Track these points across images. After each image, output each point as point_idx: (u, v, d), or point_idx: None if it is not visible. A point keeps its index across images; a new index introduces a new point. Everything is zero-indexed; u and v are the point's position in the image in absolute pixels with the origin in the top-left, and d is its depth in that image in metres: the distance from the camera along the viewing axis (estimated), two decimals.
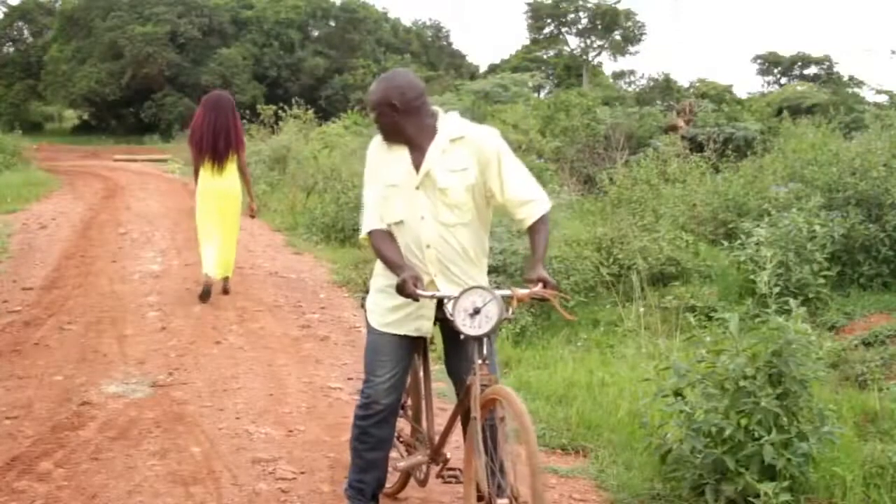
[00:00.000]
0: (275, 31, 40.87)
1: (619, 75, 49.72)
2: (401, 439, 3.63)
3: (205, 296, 7.23)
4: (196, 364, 5.55)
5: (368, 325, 3.31)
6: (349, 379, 5.41)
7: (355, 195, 10.65)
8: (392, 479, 3.56)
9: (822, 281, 7.52)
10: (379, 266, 3.25)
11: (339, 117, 21.89)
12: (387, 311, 3.21)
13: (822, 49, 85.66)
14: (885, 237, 8.18)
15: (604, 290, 8.14)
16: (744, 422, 3.51)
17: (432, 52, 48.55)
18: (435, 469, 3.40)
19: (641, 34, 48.29)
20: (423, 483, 3.55)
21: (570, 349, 6.57)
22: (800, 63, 47.24)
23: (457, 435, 3.36)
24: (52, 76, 38.00)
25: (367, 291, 3.43)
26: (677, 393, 3.86)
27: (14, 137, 22.94)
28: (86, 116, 43.23)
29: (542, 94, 39.63)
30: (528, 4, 48.10)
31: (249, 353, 5.86)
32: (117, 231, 11.04)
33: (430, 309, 3.14)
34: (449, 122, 3.14)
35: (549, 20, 48.03)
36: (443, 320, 3.12)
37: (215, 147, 7.19)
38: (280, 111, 18.29)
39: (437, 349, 3.74)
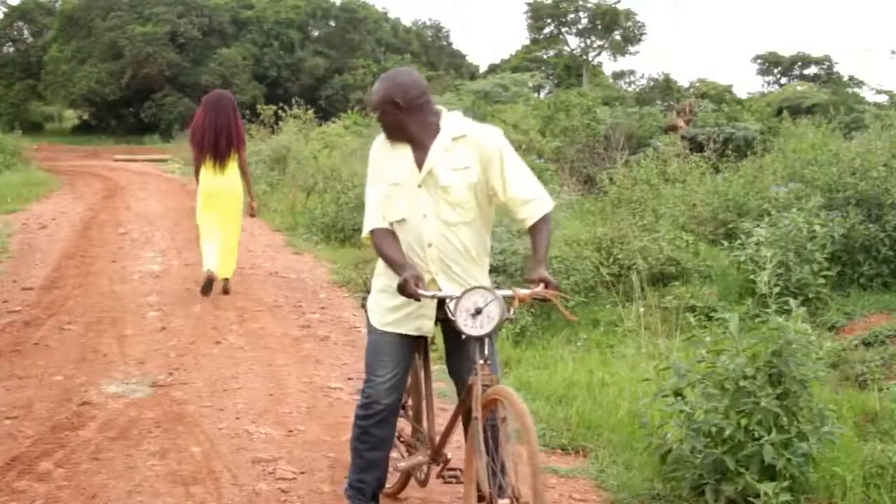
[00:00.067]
0: (275, 31, 40.87)
1: (619, 75, 49.76)
2: (401, 439, 3.63)
3: (206, 289, 7.27)
4: (196, 364, 5.55)
5: (370, 325, 3.30)
6: (349, 379, 5.41)
7: (355, 195, 10.65)
8: (392, 480, 3.56)
9: (822, 281, 7.52)
10: (380, 265, 3.25)
11: (339, 117, 21.88)
12: (388, 311, 3.21)
13: (822, 49, 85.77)
14: (885, 237, 8.18)
15: (604, 290, 8.14)
16: (744, 422, 3.51)
17: (432, 52, 48.54)
18: (435, 469, 3.40)
19: (641, 34, 48.34)
20: (423, 483, 3.55)
21: (570, 349, 6.57)
22: (800, 63, 47.27)
23: (457, 435, 3.36)
24: (52, 76, 38.00)
25: (367, 291, 3.42)
26: (677, 393, 3.86)
27: (14, 137, 22.94)
28: (86, 116, 43.22)
29: (542, 94, 39.66)
30: (528, 4, 48.12)
31: (249, 353, 5.86)
32: (117, 231, 11.05)
33: (431, 308, 3.14)
34: (452, 121, 3.14)
35: (549, 20, 48.04)
36: (444, 320, 3.12)
37: (217, 145, 7.22)
38: (280, 111, 18.30)
39: (438, 349, 3.74)
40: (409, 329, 3.19)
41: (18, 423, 4.42)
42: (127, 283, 7.98)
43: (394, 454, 3.45)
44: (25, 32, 43.78)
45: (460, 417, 3.19)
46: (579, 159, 16.68)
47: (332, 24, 43.73)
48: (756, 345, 3.68)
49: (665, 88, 37.65)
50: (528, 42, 50.14)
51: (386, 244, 3.11)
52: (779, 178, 10.68)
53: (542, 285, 2.94)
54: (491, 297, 2.91)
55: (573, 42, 48.79)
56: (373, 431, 3.24)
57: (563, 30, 48.48)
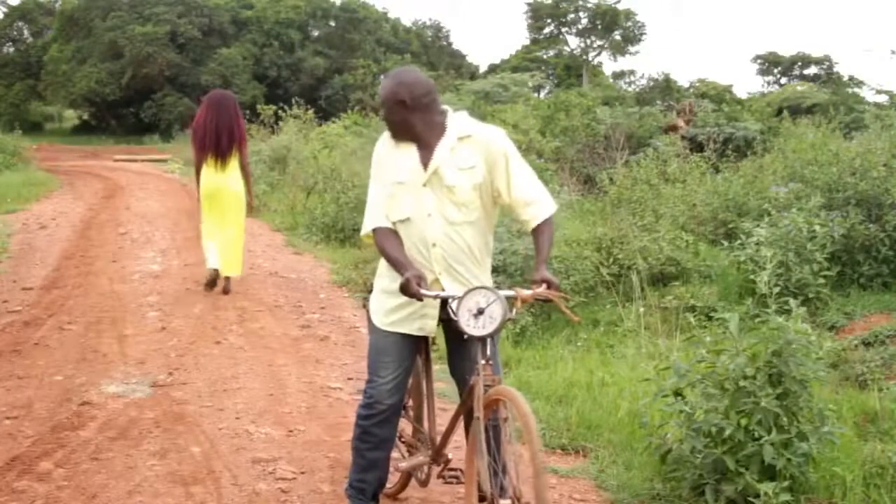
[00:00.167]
0: (275, 31, 40.87)
1: (619, 75, 49.75)
2: (402, 440, 3.62)
3: (210, 284, 7.47)
4: (196, 364, 5.55)
5: (371, 325, 3.29)
6: (349, 379, 5.41)
7: (355, 195, 10.66)
8: (393, 480, 3.56)
9: (822, 281, 7.51)
10: (382, 265, 3.25)
11: (339, 117, 21.87)
12: (390, 311, 3.20)
13: (822, 49, 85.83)
14: (885, 237, 8.17)
15: (604, 290, 8.14)
16: (744, 422, 3.51)
17: (432, 52, 48.53)
18: (436, 469, 3.40)
19: (641, 34, 48.37)
20: (424, 483, 3.55)
21: (570, 349, 6.56)
22: (800, 63, 47.30)
23: (457, 435, 3.35)
24: (52, 76, 38.00)
25: (368, 291, 3.42)
26: (677, 393, 3.86)
27: (14, 137, 22.90)
28: (86, 116, 43.23)
29: (542, 94, 39.68)
30: (528, 4, 48.15)
31: (249, 353, 5.86)
32: (117, 231, 11.05)
33: (434, 308, 3.14)
34: (458, 121, 3.14)
35: (549, 20, 48.07)
36: (446, 320, 3.12)
37: (218, 144, 7.32)
38: (280, 111, 18.31)
39: (439, 349, 3.74)
40: (411, 329, 3.19)
41: (18, 423, 4.42)
42: (127, 283, 7.98)
43: (395, 454, 3.45)
44: (25, 32, 43.80)
45: (461, 418, 3.19)
46: (579, 159, 16.66)
47: (332, 24, 43.73)
48: (756, 345, 3.68)
49: (665, 88, 37.64)
50: (528, 42, 50.21)
51: (388, 243, 3.11)
52: (779, 178, 10.67)
53: (544, 286, 2.94)
54: (493, 298, 2.91)
55: (573, 42, 48.88)
56: (374, 431, 3.24)
57: (563, 30, 48.51)
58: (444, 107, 3.17)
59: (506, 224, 7.55)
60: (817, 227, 7.65)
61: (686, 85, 37.97)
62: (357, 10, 43.42)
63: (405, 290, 2.95)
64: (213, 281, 7.53)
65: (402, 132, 3.13)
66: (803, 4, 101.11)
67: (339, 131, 19.06)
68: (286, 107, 18.46)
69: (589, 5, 47.06)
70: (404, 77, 3.12)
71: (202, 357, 5.71)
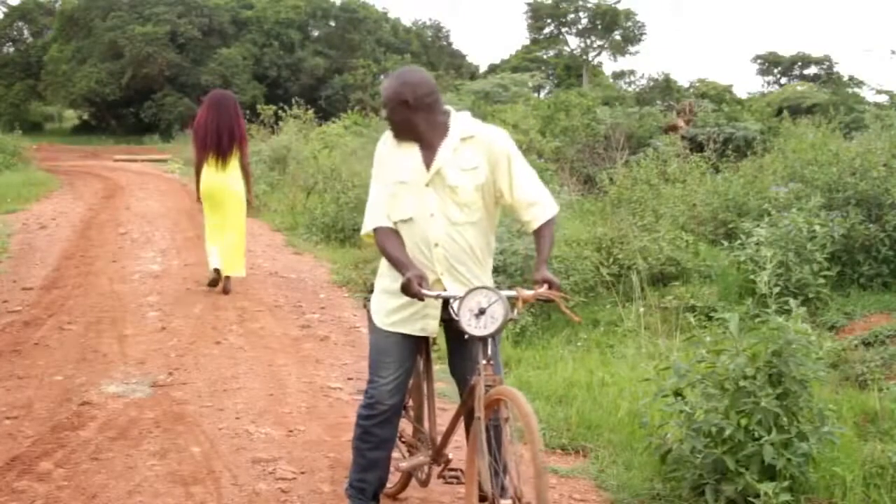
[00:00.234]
0: (275, 31, 40.88)
1: (619, 75, 49.76)
2: (403, 440, 3.62)
3: (213, 283, 7.60)
4: (196, 364, 5.55)
5: (372, 326, 3.29)
6: (349, 379, 5.41)
7: (355, 195, 10.66)
8: (393, 480, 3.56)
9: (822, 281, 7.51)
10: (383, 265, 3.24)
11: (339, 117, 21.86)
12: (392, 311, 3.20)
13: (822, 49, 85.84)
14: (885, 237, 8.17)
15: (604, 290, 8.14)
16: (744, 422, 3.51)
17: (432, 52, 48.53)
18: (436, 469, 3.40)
19: (641, 34, 48.38)
20: (424, 483, 3.55)
21: (570, 349, 6.56)
22: (800, 63, 47.31)
23: (458, 435, 3.35)
24: (52, 76, 38.01)
25: (369, 291, 3.41)
26: (677, 393, 3.86)
27: (14, 137, 22.90)
28: (86, 116, 43.24)
29: (542, 94, 39.68)
30: (528, 4, 48.15)
31: (249, 353, 5.86)
32: (117, 231, 11.05)
33: (435, 308, 3.13)
34: (461, 121, 3.14)
35: (549, 20, 48.08)
36: (446, 320, 3.12)
37: (219, 144, 7.38)
38: (280, 111, 18.31)
39: (439, 349, 3.74)
40: (413, 329, 3.19)
41: (18, 423, 4.42)
42: (127, 283, 7.98)
43: (395, 454, 3.45)
44: (25, 32, 43.81)
45: (462, 418, 3.19)
46: (579, 159, 16.66)
47: (332, 24, 43.74)
48: (756, 345, 3.68)
49: (665, 88, 37.63)
50: (528, 42, 50.22)
51: (389, 243, 3.11)
52: (779, 178, 10.66)
53: (545, 286, 2.94)
54: (495, 298, 2.91)
55: (573, 42, 48.88)
56: (375, 431, 3.24)
57: (563, 30, 48.52)
58: (447, 107, 3.17)
59: (506, 224, 7.55)
60: (817, 227, 7.65)
61: (686, 85, 38.01)
62: (357, 10, 43.43)
63: (406, 289, 2.95)
64: (214, 281, 7.62)
65: (404, 132, 3.13)
66: (803, 4, 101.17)
67: (339, 131, 19.05)
68: (286, 107, 18.47)
69: (589, 5, 47.07)
70: (408, 77, 3.11)
71: (202, 357, 5.71)
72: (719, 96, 30.54)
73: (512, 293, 2.97)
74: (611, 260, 8.37)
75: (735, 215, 10.04)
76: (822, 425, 3.64)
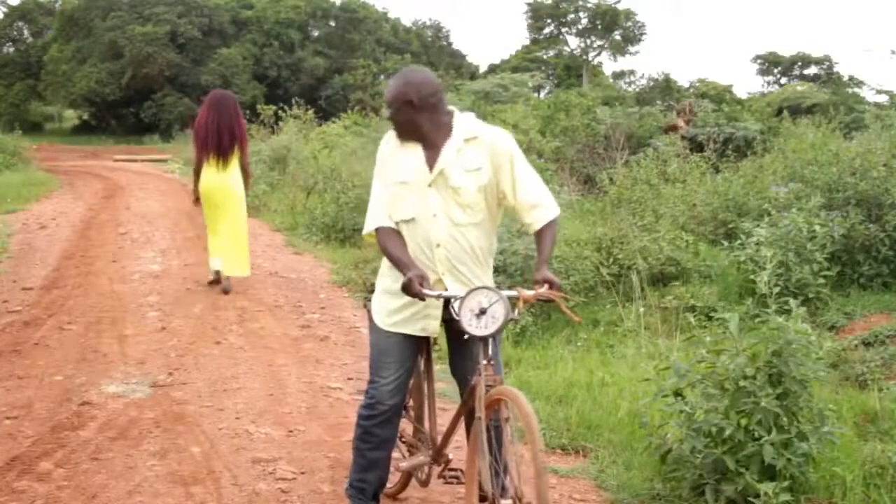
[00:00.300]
0: (275, 31, 40.88)
1: (619, 75, 49.77)
2: (403, 440, 3.62)
3: (214, 282, 7.71)
4: (196, 364, 5.55)
5: (373, 326, 3.29)
6: (349, 379, 5.41)
7: (355, 195, 10.66)
8: (393, 480, 3.56)
9: (822, 281, 7.51)
10: (384, 265, 3.24)
11: (339, 117, 21.86)
12: (393, 311, 3.20)
13: (822, 49, 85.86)
14: (885, 237, 8.17)
15: (604, 290, 8.14)
16: (744, 422, 3.51)
17: (432, 52, 48.54)
18: (437, 469, 3.40)
19: (641, 34, 48.38)
20: (424, 483, 3.55)
21: (570, 349, 6.56)
22: (800, 63, 47.32)
23: (458, 435, 3.35)
24: (52, 76, 38.01)
25: (369, 291, 3.41)
26: (677, 393, 3.86)
27: (14, 137, 22.89)
28: (86, 116, 43.24)
29: (542, 94, 39.68)
30: (528, 4, 48.15)
31: (249, 353, 5.86)
32: (117, 231, 11.05)
33: (437, 309, 3.13)
34: (464, 122, 3.14)
35: (549, 20, 48.08)
36: (447, 320, 3.12)
37: (220, 144, 7.44)
38: (280, 111, 18.31)
39: (440, 349, 3.74)
40: (414, 330, 3.19)
41: (18, 423, 4.42)
42: (127, 283, 7.98)
43: (395, 454, 3.45)
44: (25, 32, 43.81)
45: (462, 418, 3.19)
46: (579, 159, 16.66)
47: (332, 24, 43.74)
48: (756, 345, 3.68)
49: (665, 88, 37.64)
50: (528, 42, 50.23)
51: (391, 243, 3.11)
52: (779, 178, 10.66)
53: (546, 286, 2.94)
54: (496, 298, 2.91)
55: (573, 42, 48.89)
56: (376, 432, 3.24)
57: (563, 30, 48.52)
58: (451, 107, 3.17)
59: (506, 224, 7.55)
60: (817, 227, 7.65)
61: (686, 85, 38.02)
62: (357, 10, 43.43)
63: (407, 289, 2.95)
64: (216, 280, 7.73)
65: (408, 132, 3.12)
66: (803, 4, 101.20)
67: (339, 131, 19.04)
68: (286, 107, 18.46)
69: (589, 5, 47.07)
70: (412, 77, 3.11)
71: (202, 357, 5.71)
72: (719, 96, 30.55)
73: (513, 293, 2.96)
74: (611, 260, 8.37)
75: (735, 215, 10.04)
76: (822, 425, 3.64)
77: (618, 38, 47.78)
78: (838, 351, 6.43)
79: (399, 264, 3.05)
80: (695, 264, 8.77)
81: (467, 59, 51.27)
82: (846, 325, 7.37)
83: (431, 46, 49.44)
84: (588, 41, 48.16)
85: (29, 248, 9.59)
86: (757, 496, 3.40)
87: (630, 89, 42.67)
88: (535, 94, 35.63)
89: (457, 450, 3.50)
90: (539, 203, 3.10)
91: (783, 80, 46.90)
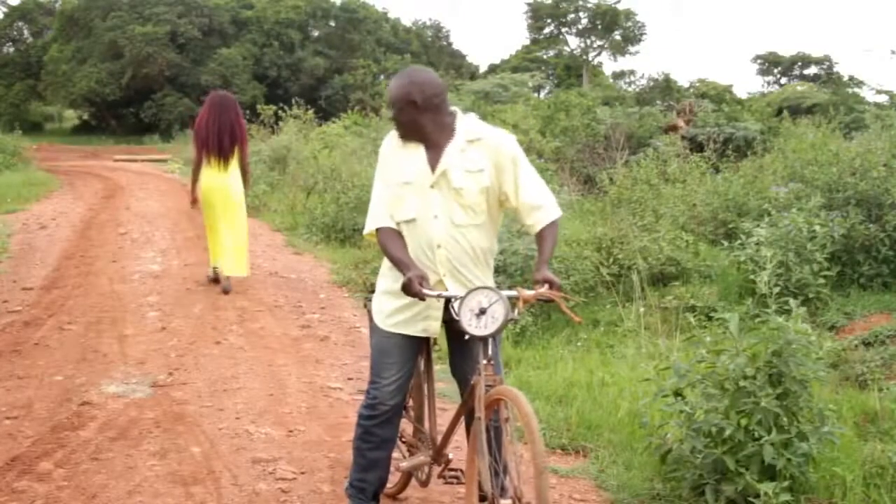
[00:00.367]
0: (275, 31, 40.88)
1: (619, 75, 49.78)
2: (403, 439, 3.62)
3: (214, 280, 7.74)
4: (196, 364, 5.55)
5: (374, 326, 3.29)
6: (349, 379, 5.41)
7: (355, 195, 10.66)
8: (393, 480, 3.56)
9: (822, 281, 7.51)
10: (385, 266, 3.24)
11: (339, 117, 21.86)
12: (394, 312, 3.19)
13: (822, 49, 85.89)
14: (885, 237, 8.16)
15: (604, 290, 8.13)
16: (744, 422, 3.51)
17: (432, 52, 48.54)
18: (437, 469, 3.40)
19: (641, 34, 48.39)
20: (424, 483, 3.55)
21: (570, 349, 6.56)
22: (800, 63, 47.35)
23: (458, 435, 3.36)
24: (52, 76, 38.01)
25: (370, 291, 3.41)
26: (677, 393, 3.86)
27: (14, 137, 22.90)
28: (86, 116, 43.26)
29: (542, 94, 39.69)
30: (528, 4, 48.16)
31: (249, 353, 5.86)
32: (117, 231, 11.05)
33: (437, 310, 3.13)
34: (467, 123, 3.14)
35: (549, 20, 48.08)
36: (447, 321, 3.12)
37: (221, 144, 7.49)
38: (280, 111, 18.32)
39: (440, 350, 3.74)
40: (415, 331, 3.19)
41: (18, 423, 4.42)
42: (127, 283, 7.98)
43: (395, 454, 3.45)
44: (25, 32, 43.82)
45: (462, 418, 3.19)
46: (579, 159, 16.66)
47: (332, 24, 43.73)
48: (756, 345, 3.68)
49: (665, 88, 37.63)
50: (528, 42, 50.26)
51: (391, 243, 3.10)
52: (779, 178, 10.66)
53: (546, 286, 2.94)
54: (495, 298, 2.91)
55: (573, 42, 48.89)
56: (376, 432, 3.24)
57: (563, 30, 48.53)
58: (453, 108, 3.17)
59: (506, 224, 7.54)
60: (817, 227, 7.65)
61: (686, 85, 38.00)
62: (357, 10, 43.43)
63: (407, 289, 2.95)
64: (215, 280, 7.76)
65: (411, 132, 3.12)
66: (803, 4, 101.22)
67: (339, 131, 19.05)
68: (286, 107, 18.46)
69: (589, 5, 47.07)
70: (416, 76, 3.10)
71: (202, 357, 5.71)
72: (719, 96, 30.54)
73: (513, 293, 2.96)
74: (611, 260, 8.36)
75: (735, 215, 10.04)
76: (822, 425, 3.64)
77: (618, 38, 47.78)
78: (838, 351, 6.43)
79: (399, 264, 3.05)
80: (695, 264, 8.77)
81: (467, 59, 51.34)
82: (846, 325, 7.36)
83: (431, 46, 49.44)
84: (588, 41, 48.18)
85: (29, 248, 9.59)
86: (757, 496, 3.40)
87: (630, 89, 42.69)
88: (535, 94, 35.66)
89: (457, 450, 3.50)
90: (541, 205, 3.10)
91: (783, 80, 46.93)
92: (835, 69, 45.04)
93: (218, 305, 7.16)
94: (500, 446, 2.99)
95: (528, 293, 2.94)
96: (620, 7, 47.08)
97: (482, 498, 2.93)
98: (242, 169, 7.67)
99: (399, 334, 3.19)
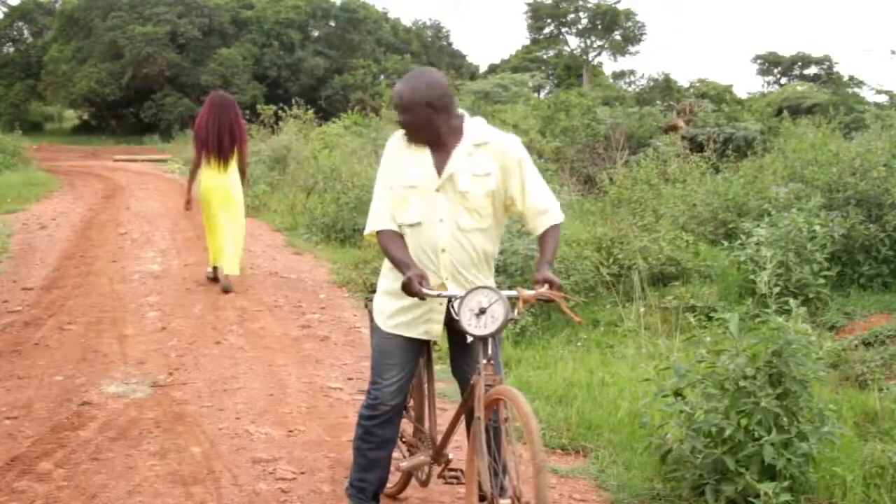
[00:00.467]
0: (275, 31, 40.87)
1: (619, 75, 49.77)
2: (403, 439, 3.63)
3: (213, 279, 7.81)
4: (196, 364, 5.55)
5: (375, 327, 3.28)
6: (349, 379, 5.41)
7: (355, 195, 10.66)
8: (393, 480, 3.56)
9: (822, 281, 7.51)
10: (386, 267, 3.24)
11: (339, 117, 21.87)
12: (396, 313, 3.19)
13: (822, 49, 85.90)
14: (885, 237, 8.16)
15: (604, 290, 8.13)
16: (744, 422, 3.51)
17: (432, 52, 48.53)
18: (437, 469, 3.40)
19: (641, 34, 48.38)
20: (424, 483, 3.55)
21: (570, 349, 6.56)
22: (800, 63, 47.34)
23: (458, 435, 3.36)
24: (52, 76, 38.00)
25: (371, 292, 3.41)
26: (677, 393, 3.86)
27: (14, 137, 22.89)
28: (86, 116, 43.25)
29: (542, 94, 39.67)
30: (528, 4, 48.15)
31: (249, 353, 5.86)
32: (117, 231, 11.05)
33: (440, 313, 3.13)
34: (474, 127, 3.13)
35: (549, 20, 48.08)
36: (448, 322, 3.12)
37: (220, 144, 7.53)
38: (280, 111, 18.31)
39: (441, 350, 3.75)
40: (416, 333, 3.18)
41: (18, 423, 4.42)
42: (127, 283, 7.98)
43: (395, 454, 3.45)
44: (25, 32, 43.80)
45: (462, 417, 3.19)
46: (579, 159, 16.66)
47: (332, 24, 43.73)
48: (756, 345, 3.68)
49: (665, 88, 37.61)
50: (528, 42, 50.25)
51: (392, 244, 3.10)
52: (779, 178, 10.66)
53: (546, 286, 2.94)
54: (495, 297, 2.91)
55: (573, 42, 48.88)
56: (377, 432, 3.24)
57: (563, 30, 48.52)
58: (461, 111, 3.16)
59: (506, 224, 7.53)
60: (817, 227, 7.65)
61: (686, 85, 37.96)
62: (357, 10, 43.42)
63: (407, 288, 2.94)
64: (214, 278, 7.82)
65: (423, 134, 3.09)
66: (803, 4, 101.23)
67: (339, 131, 19.05)
68: (286, 107, 18.46)
69: (589, 5, 47.07)
70: (430, 77, 3.08)
71: (202, 357, 5.71)
72: (719, 96, 30.54)
73: (513, 293, 2.96)
74: (611, 260, 8.36)
75: (735, 215, 10.03)
76: (822, 425, 3.64)
77: (618, 38, 47.78)
78: (838, 351, 6.42)
79: (399, 265, 3.04)
80: (695, 264, 8.77)
81: (467, 59, 51.33)
82: (846, 325, 7.36)
83: (431, 46, 49.44)
84: (588, 41, 48.17)
85: (29, 249, 9.59)
86: (757, 496, 3.40)
87: (630, 89, 42.67)
88: (535, 94, 35.64)
89: (457, 450, 3.50)
90: (547, 209, 3.11)
91: (783, 80, 46.93)
92: (835, 69, 45.08)
93: (218, 305, 7.16)
94: (499, 446, 2.99)
95: (528, 293, 2.94)
96: (620, 7, 47.13)
97: (482, 498, 2.93)
98: (241, 170, 7.71)
99: (400, 335, 3.19)
